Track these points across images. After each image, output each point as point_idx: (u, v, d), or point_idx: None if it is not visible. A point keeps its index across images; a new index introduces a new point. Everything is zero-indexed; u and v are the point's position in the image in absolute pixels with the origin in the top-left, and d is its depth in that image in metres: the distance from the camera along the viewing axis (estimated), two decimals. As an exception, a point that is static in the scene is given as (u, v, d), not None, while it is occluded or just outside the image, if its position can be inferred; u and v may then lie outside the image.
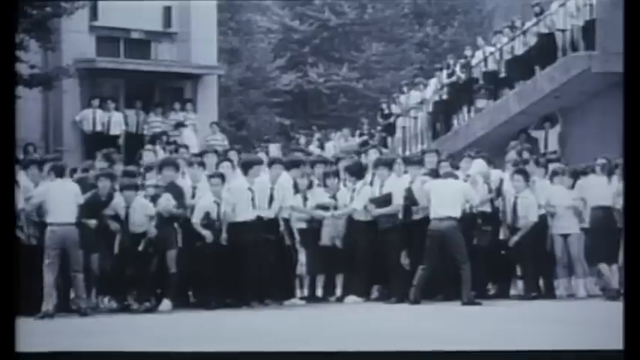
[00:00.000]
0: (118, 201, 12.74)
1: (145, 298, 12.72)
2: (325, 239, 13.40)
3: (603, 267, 13.15)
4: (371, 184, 13.55)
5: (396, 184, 13.46)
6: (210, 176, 13.16)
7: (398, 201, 13.32)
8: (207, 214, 12.83)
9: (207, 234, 12.75)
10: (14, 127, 9.16)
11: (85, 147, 22.26)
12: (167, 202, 12.86)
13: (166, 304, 12.76)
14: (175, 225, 12.98)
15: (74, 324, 11.74)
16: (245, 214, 12.88)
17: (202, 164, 13.76)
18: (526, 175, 13.61)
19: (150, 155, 15.90)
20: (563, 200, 13.63)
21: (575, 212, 13.60)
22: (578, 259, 13.61)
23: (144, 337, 10.43)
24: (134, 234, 12.68)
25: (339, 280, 13.57)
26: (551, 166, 14.15)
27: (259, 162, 13.47)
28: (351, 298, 13.32)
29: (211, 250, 12.80)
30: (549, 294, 13.58)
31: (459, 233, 12.87)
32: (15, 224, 11.71)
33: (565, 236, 13.65)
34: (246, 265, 12.79)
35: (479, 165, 13.84)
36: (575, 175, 13.80)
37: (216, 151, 14.75)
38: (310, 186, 13.69)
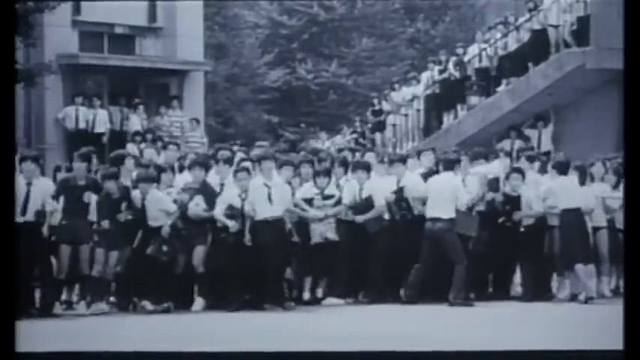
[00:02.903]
0: (135, 194, 12.84)
1: (162, 299, 12.68)
2: (316, 237, 13.30)
3: (579, 268, 13.13)
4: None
5: (376, 185, 13.43)
6: (237, 170, 13.14)
7: (380, 202, 13.30)
8: (230, 207, 12.79)
9: (231, 223, 12.72)
10: (14, 125, 9.14)
11: (67, 145, 22.15)
12: (196, 207, 12.83)
13: (199, 302, 12.81)
14: (207, 226, 12.96)
15: (74, 324, 11.77)
16: (264, 211, 12.81)
17: (229, 161, 13.72)
18: (523, 173, 13.68)
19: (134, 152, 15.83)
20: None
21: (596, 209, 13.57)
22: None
23: (143, 337, 10.44)
24: (152, 228, 12.69)
25: (326, 282, 13.52)
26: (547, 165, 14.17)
27: (272, 157, 13.44)
28: (336, 301, 13.26)
29: (234, 247, 12.76)
30: (546, 294, 13.54)
31: (453, 234, 12.90)
32: (14, 223, 11.69)
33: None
34: (268, 266, 12.71)
35: (494, 166, 13.90)
36: (583, 171, 13.79)
37: (230, 149, 14.72)
38: (300, 184, 13.61)
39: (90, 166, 13.22)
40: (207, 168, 13.32)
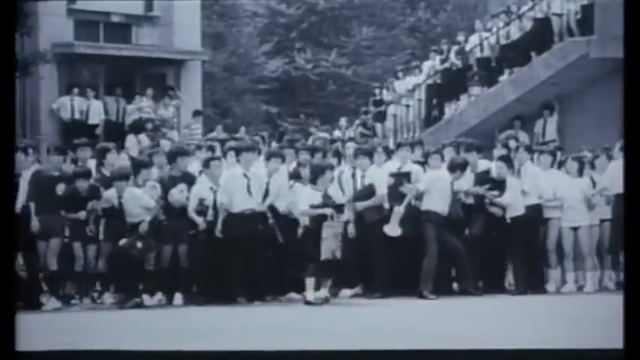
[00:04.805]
0: (111, 192, 12.81)
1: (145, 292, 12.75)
2: (326, 253, 13.18)
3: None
4: (353, 175, 13.51)
5: (378, 174, 13.42)
6: (211, 159, 13.13)
7: (381, 191, 13.30)
8: (201, 201, 12.79)
9: (199, 221, 12.75)
10: (14, 120, 9.16)
11: (62, 135, 22.19)
12: (180, 193, 12.81)
13: (178, 297, 12.82)
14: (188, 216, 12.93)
15: (74, 321, 11.77)
16: (241, 204, 12.77)
17: (211, 148, 13.67)
18: (509, 162, 13.70)
19: (133, 143, 15.86)
20: (571, 191, 13.66)
21: (586, 204, 13.63)
22: (588, 252, 13.67)
23: (136, 333, 10.48)
24: (132, 224, 12.68)
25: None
26: (548, 156, 14.17)
27: (251, 148, 13.34)
28: (344, 292, 13.29)
29: (204, 240, 12.78)
30: (539, 288, 13.59)
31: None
32: (15, 219, 11.73)
33: (575, 229, 13.71)
34: (241, 259, 12.70)
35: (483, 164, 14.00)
36: (582, 162, 13.87)
37: (221, 141, 14.70)
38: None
39: (65, 158, 13.26)
40: (189, 156, 13.32)
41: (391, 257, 13.23)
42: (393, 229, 13.13)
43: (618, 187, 12.77)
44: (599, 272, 13.86)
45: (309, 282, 12.51)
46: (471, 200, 13.62)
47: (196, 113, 23.41)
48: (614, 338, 8.41)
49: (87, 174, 12.95)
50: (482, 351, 8.53)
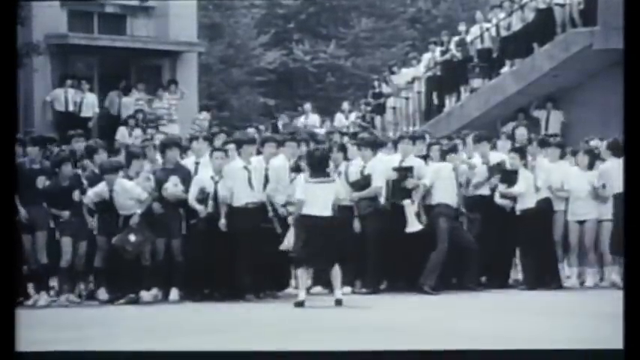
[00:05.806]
0: (102, 186, 12.75)
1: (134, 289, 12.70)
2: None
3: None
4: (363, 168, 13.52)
5: (379, 165, 13.38)
6: (215, 149, 13.10)
7: (378, 183, 13.25)
8: (202, 190, 12.75)
9: (200, 209, 12.70)
10: (16, 115, 9.15)
11: (57, 128, 22.14)
12: (174, 187, 12.78)
13: (174, 293, 12.82)
14: (181, 211, 12.93)
15: (71, 318, 11.78)
16: (243, 197, 12.76)
17: (207, 139, 13.67)
18: (522, 154, 13.64)
19: (124, 135, 15.81)
20: (579, 184, 13.63)
21: (594, 197, 13.59)
22: (593, 247, 13.65)
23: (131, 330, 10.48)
24: (125, 217, 12.65)
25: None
26: (555, 149, 14.12)
27: (251, 141, 13.35)
28: (321, 290, 13.16)
29: (206, 233, 12.73)
30: (552, 284, 13.51)
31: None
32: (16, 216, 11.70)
33: (581, 223, 13.68)
34: (244, 254, 12.65)
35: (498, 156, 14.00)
36: (593, 155, 13.83)
37: (224, 132, 14.67)
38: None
39: (46, 152, 13.23)
40: (180, 148, 13.31)
41: (388, 251, 13.20)
42: (412, 225, 13.08)
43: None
44: (609, 268, 13.80)
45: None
46: (485, 191, 13.63)
47: (206, 106, 23.46)
48: (616, 335, 8.41)
49: (67, 159, 12.86)
50: (482, 351, 8.52)
